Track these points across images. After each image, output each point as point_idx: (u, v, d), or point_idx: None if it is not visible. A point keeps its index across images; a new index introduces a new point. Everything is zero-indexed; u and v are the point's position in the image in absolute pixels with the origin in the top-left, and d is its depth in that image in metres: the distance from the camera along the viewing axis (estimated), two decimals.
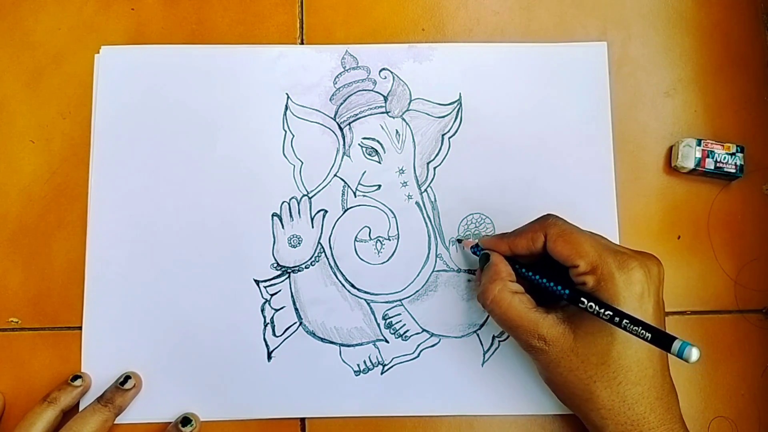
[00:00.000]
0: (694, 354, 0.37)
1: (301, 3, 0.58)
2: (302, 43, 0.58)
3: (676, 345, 0.38)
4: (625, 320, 0.41)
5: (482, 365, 0.53)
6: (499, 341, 0.53)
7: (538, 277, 0.47)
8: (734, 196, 0.55)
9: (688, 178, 0.56)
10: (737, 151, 0.54)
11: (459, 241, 0.55)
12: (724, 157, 0.54)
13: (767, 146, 0.56)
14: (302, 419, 0.53)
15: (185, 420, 0.52)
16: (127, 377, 0.52)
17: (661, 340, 0.39)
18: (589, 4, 0.58)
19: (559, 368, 0.45)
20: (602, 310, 0.42)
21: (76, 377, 0.52)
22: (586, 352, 0.44)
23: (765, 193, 0.55)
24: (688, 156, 0.54)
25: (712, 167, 0.54)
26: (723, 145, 0.54)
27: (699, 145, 0.54)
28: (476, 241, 0.52)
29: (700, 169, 0.54)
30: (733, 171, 0.54)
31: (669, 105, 0.57)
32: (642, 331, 0.40)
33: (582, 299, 0.44)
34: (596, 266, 0.44)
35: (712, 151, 0.54)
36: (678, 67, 0.57)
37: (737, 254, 0.55)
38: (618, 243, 0.54)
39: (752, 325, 0.54)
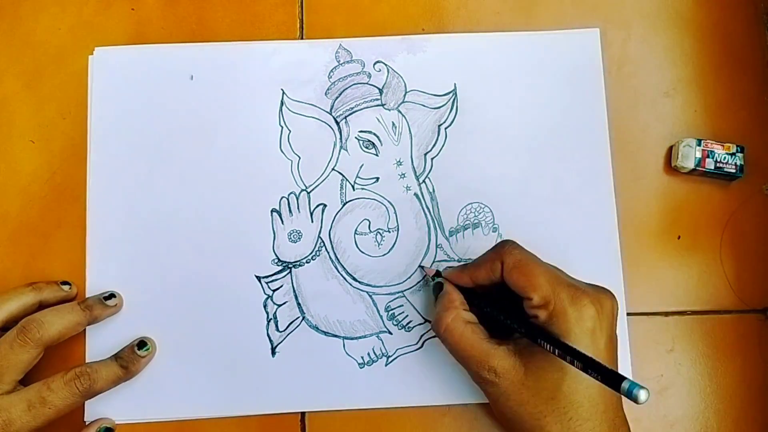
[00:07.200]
0: (642, 395, 0.36)
1: (301, 3, 0.58)
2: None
3: (625, 385, 0.37)
4: (577, 360, 0.40)
5: None
6: None
7: (491, 310, 0.47)
8: (734, 196, 0.55)
9: (688, 178, 0.56)
10: (737, 151, 0.54)
11: (422, 267, 0.54)
12: (724, 157, 0.54)
13: (767, 146, 0.56)
14: (302, 413, 0.53)
15: (141, 343, 0.52)
16: (111, 294, 0.52)
17: (612, 379, 0.38)
18: (589, 5, 0.58)
19: (509, 402, 0.44)
20: (555, 348, 0.42)
21: (65, 282, 0.52)
22: (537, 386, 0.43)
23: (765, 193, 0.55)
24: (688, 156, 0.54)
25: (712, 167, 0.54)
26: (723, 145, 0.54)
27: (699, 145, 0.54)
28: (435, 269, 0.53)
29: (700, 169, 0.54)
30: (733, 171, 0.54)
31: (669, 105, 0.57)
32: (592, 372, 0.39)
33: (537, 336, 0.43)
34: (549, 300, 0.43)
35: (712, 151, 0.54)
36: (678, 67, 0.57)
37: (737, 254, 0.55)
38: (617, 243, 0.54)
39: (752, 325, 0.54)
